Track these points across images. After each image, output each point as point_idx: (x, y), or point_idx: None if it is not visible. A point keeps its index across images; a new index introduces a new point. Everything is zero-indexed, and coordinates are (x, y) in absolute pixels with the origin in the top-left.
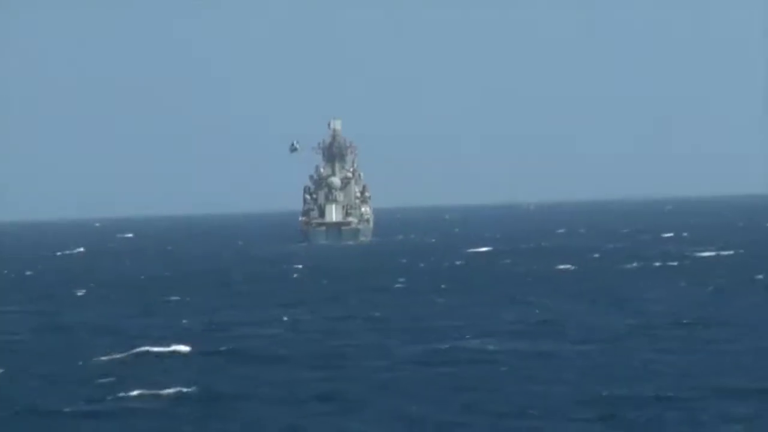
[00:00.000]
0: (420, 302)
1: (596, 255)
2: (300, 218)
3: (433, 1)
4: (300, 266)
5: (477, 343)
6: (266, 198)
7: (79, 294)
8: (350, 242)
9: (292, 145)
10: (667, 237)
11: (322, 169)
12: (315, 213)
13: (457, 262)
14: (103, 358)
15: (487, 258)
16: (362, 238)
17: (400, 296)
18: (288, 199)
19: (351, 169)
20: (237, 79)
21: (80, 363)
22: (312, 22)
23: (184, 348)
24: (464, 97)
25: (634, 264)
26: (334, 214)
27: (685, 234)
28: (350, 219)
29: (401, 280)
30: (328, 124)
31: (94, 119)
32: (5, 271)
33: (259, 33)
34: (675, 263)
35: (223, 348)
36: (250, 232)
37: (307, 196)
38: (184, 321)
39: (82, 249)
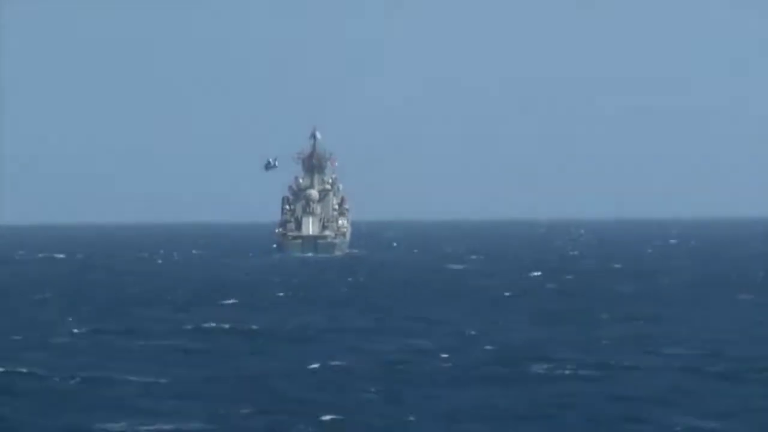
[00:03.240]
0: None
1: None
2: (276, 229)
3: (416, 11)
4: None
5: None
6: (245, 208)
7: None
8: (326, 255)
9: (269, 162)
10: None
11: (301, 180)
12: (292, 225)
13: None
14: None
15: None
16: (337, 252)
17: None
18: (267, 210)
19: (330, 181)
20: (216, 84)
21: None
22: (295, 31)
23: None
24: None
25: None
26: (311, 227)
27: None
28: (327, 232)
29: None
30: (311, 135)
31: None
32: None
33: (241, 39)
34: None
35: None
36: (223, 241)
37: (286, 207)
38: None
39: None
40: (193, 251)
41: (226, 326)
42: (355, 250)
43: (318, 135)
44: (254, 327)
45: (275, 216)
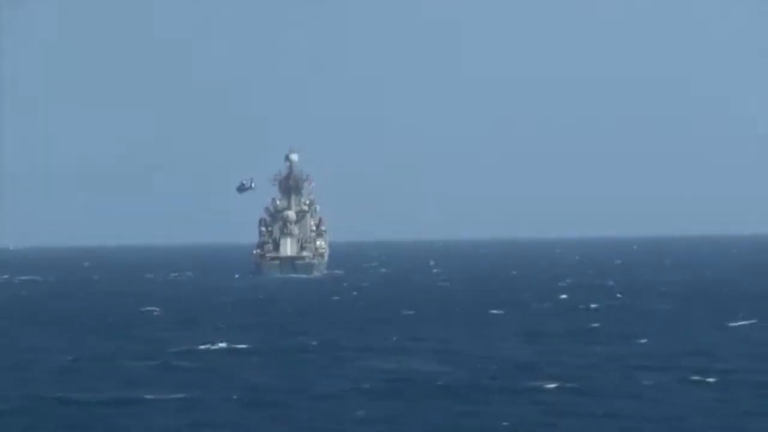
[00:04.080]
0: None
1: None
2: (254, 251)
3: (389, 30)
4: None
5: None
6: (221, 229)
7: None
8: (304, 276)
9: (242, 184)
10: None
11: (278, 202)
12: (270, 246)
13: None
14: None
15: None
16: (316, 273)
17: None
18: (244, 232)
19: (307, 202)
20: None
21: None
22: (269, 52)
23: None
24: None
25: None
26: (288, 247)
27: None
28: (304, 253)
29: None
30: (286, 157)
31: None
32: None
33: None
34: None
35: None
36: (199, 263)
37: (263, 229)
38: None
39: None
40: (172, 274)
41: (223, 345)
42: (338, 271)
43: (294, 156)
44: (250, 345)
45: (247, 238)
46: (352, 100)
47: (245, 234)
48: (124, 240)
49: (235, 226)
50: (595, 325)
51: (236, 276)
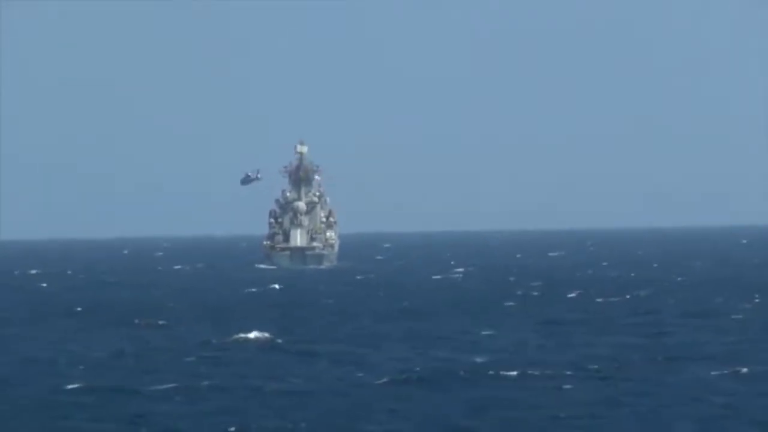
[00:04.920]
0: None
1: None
2: (264, 242)
3: (401, 21)
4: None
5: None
6: (229, 220)
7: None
8: (314, 266)
9: (247, 176)
10: None
11: (288, 193)
12: (280, 237)
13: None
14: None
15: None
16: (326, 263)
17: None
18: (253, 223)
19: (317, 194)
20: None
21: None
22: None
23: None
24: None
25: None
26: (298, 238)
27: None
28: (315, 244)
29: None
30: (295, 148)
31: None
32: None
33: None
34: None
35: None
36: (210, 255)
37: (272, 220)
38: None
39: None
40: (198, 265)
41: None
42: (349, 263)
43: (304, 148)
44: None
45: (252, 229)
46: (359, 89)
47: (249, 226)
48: (124, 232)
49: (240, 218)
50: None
51: (258, 266)
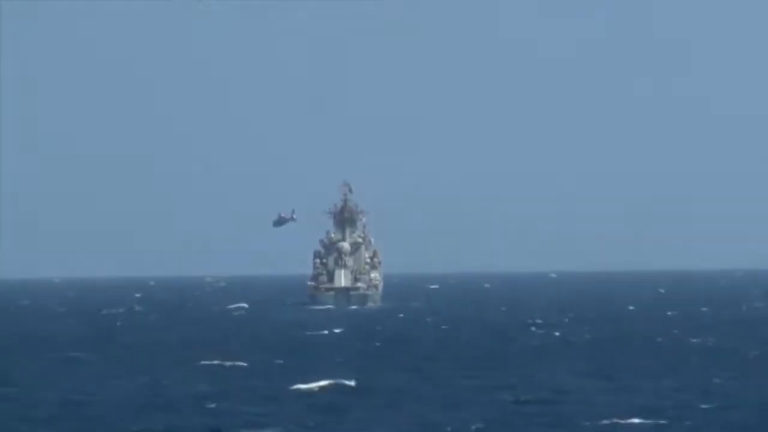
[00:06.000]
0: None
1: None
2: (309, 283)
3: (446, 59)
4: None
5: None
6: (276, 260)
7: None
8: (356, 307)
9: (281, 218)
10: None
11: (332, 234)
12: (324, 277)
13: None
14: None
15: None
16: (370, 304)
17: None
18: (298, 263)
19: (361, 235)
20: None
21: None
22: (324, 86)
23: None
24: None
25: None
26: (343, 279)
27: None
28: (359, 284)
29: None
30: (339, 189)
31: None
32: None
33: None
34: None
35: None
36: (256, 295)
37: (317, 261)
38: None
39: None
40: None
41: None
42: (390, 304)
43: (350, 189)
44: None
45: (293, 269)
46: (398, 127)
47: (284, 266)
48: (154, 272)
49: (273, 259)
50: None
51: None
